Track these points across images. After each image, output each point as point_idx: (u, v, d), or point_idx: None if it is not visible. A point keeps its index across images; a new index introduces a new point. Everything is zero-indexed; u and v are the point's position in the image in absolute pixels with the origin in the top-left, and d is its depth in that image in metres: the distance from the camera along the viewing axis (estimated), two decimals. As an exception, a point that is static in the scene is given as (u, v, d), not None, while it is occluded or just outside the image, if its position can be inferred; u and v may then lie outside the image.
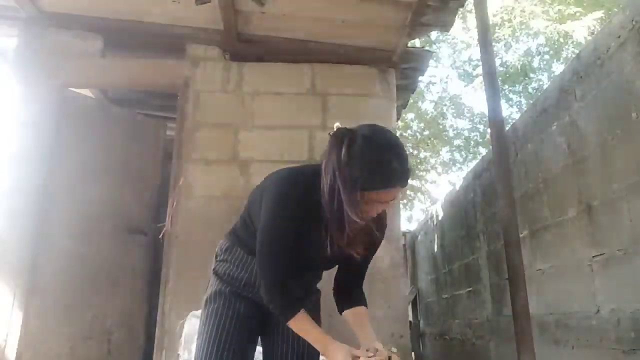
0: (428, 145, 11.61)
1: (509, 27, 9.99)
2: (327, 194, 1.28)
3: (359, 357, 1.30)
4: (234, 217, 1.66)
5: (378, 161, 1.25)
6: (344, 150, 1.25)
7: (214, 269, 1.61)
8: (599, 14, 8.29)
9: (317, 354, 1.50)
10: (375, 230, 1.44)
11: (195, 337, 1.59)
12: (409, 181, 1.33)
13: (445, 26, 3.43)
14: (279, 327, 1.56)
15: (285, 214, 1.36)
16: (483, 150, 10.50)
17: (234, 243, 1.57)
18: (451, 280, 5.35)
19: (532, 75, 11.10)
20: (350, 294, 1.57)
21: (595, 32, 5.95)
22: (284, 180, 1.41)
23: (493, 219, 3.90)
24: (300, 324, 1.38)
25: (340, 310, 1.55)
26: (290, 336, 1.53)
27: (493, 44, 3.49)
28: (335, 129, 1.30)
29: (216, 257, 1.62)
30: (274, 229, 1.37)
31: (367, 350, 1.32)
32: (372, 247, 1.51)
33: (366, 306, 1.56)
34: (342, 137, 1.27)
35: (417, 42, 4.63)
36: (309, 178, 1.36)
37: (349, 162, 1.24)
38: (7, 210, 3.24)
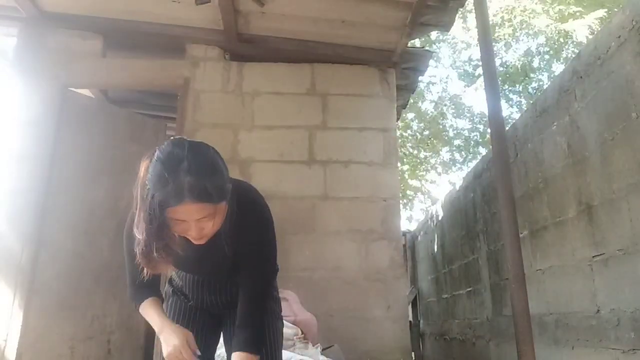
0: (428, 145, 11.62)
1: (509, 26, 9.98)
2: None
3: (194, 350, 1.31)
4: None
5: (159, 180, 1.16)
6: (142, 168, 1.22)
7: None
8: (600, 13, 8.28)
9: (277, 349, 1.52)
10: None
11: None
12: (220, 194, 1.20)
13: (445, 26, 3.43)
14: (233, 325, 1.52)
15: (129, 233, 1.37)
16: (483, 150, 10.51)
17: None
18: (451, 280, 5.35)
19: (532, 75, 11.10)
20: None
21: (596, 32, 5.95)
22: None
23: (493, 219, 3.90)
24: (144, 311, 1.43)
25: None
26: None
27: (493, 44, 3.49)
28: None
29: None
30: (124, 250, 1.43)
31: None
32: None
33: (246, 351, 1.39)
34: (147, 156, 1.24)
35: (417, 42, 4.63)
36: None
37: (144, 180, 1.20)
38: (7, 209, 3.24)
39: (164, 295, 1.58)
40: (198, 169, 1.17)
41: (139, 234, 1.21)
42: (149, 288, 1.45)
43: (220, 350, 1.65)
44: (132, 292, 1.46)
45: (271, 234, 1.43)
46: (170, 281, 1.62)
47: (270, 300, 1.52)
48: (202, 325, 1.55)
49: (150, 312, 1.42)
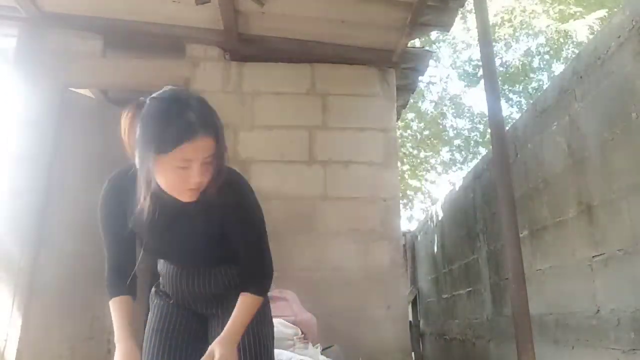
0: (428, 145, 11.62)
1: (509, 26, 9.99)
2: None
3: None
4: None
5: (161, 121, 1.14)
6: (129, 119, 1.21)
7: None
8: (601, 13, 8.29)
9: (267, 348, 1.45)
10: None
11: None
12: (220, 131, 1.19)
13: (445, 26, 3.43)
14: (219, 327, 1.47)
15: (101, 223, 1.43)
16: (483, 150, 10.51)
17: None
18: (451, 280, 5.35)
19: (532, 75, 11.10)
20: (241, 282, 1.41)
21: (596, 32, 5.95)
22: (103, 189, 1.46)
23: (493, 219, 3.90)
24: (111, 309, 1.40)
25: None
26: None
27: (493, 44, 3.48)
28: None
29: None
30: (102, 235, 1.45)
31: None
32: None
33: (251, 292, 1.36)
34: (129, 109, 1.21)
35: (417, 42, 4.63)
36: (124, 171, 1.40)
37: (139, 129, 1.17)
38: (7, 209, 3.24)
39: (149, 299, 1.58)
40: (204, 106, 1.19)
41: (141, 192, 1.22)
42: (123, 280, 1.41)
43: None
44: (108, 279, 1.44)
45: (256, 206, 1.40)
46: (157, 284, 1.60)
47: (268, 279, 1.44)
48: (185, 329, 1.50)
49: (114, 316, 1.38)
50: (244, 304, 1.34)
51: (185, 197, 1.23)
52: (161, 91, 1.21)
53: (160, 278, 1.58)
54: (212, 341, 1.31)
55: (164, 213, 1.30)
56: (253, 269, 1.39)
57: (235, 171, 1.39)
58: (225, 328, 1.31)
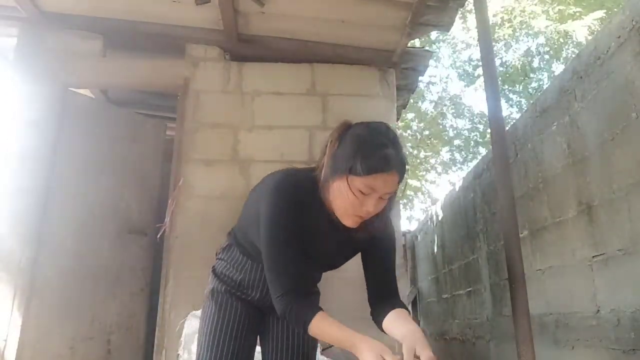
0: (428, 145, 11.62)
1: (509, 27, 9.99)
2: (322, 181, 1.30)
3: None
4: (234, 217, 1.67)
5: (367, 145, 1.23)
6: (336, 135, 1.29)
7: (213, 267, 1.62)
8: (600, 13, 8.29)
9: (314, 348, 1.51)
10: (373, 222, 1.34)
11: (196, 337, 1.59)
12: (405, 176, 1.29)
13: (445, 26, 3.43)
14: (276, 325, 1.57)
15: (284, 223, 1.31)
16: (483, 150, 10.50)
17: (231, 243, 1.57)
18: (451, 280, 5.35)
19: (532, 75, 11.10)
20: (382, 302, 1.45)
21: (596, 32, 5.95)
22: (278, 188, 1.35)
23: (493, 219, 3.90)
24: (321, 329, 1.25)
25: (379, 325, 1.41)
26: (286, 333, 1.55)
27: (493, 44, 3.48)
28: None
29: (217, 255, 1.64)
30: (275, 241, 1.31)
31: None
32: (374, 240, 1.43)
33: (406, 309, 1.42)
34: (339, 127, 1.31)
35: (417, 42, 4.63)
36: (305, 176, 1.36)
37: (339, 146, 1.27)
38: (7, 209, 3.24)
39: (211, 293, 1.54)
40: (399, 146, 1.27)
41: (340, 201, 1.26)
42: (310, 303, 1.31)
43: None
44: (298, 312, 1.27)
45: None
46: (219, 276, 1.57)
47: None
48: (249, 324, 1.52)
49: (329, 330, 1.25)
50: (406, 316, 1.40)
51: (349, 222, 1.30)
52: (369, 121, 1.33)
53: (229, 272, 1.55)
54: (268, 333, 1.55)
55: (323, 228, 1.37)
56: (393, 290, 1.52)
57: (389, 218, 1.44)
58: (411, 332, 1.30)
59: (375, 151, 1.21)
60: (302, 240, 1.34)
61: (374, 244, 1.44)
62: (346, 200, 1.25)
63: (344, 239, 1.40)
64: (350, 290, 3.42)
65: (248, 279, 1.52)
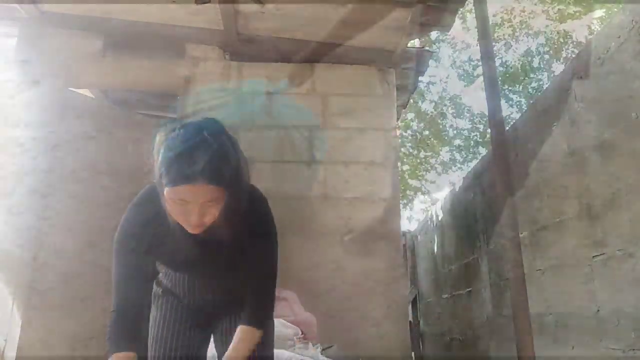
0: (428, 145, 11.61)
1: (509, 27, 9.99)
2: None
3: None
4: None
5: (169, 156, 1.16)
6: (157, 145, 1.23)
7: None
8: (600, 13, 8.29)
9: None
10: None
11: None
12: (234, 179, 1.20)
13: (445, 26, 3.43)
14: (219, 327, 1.58)
15: (126, 250, 1.44)
16: (483, 150, 10.50)
17: None
18: (451, 280, 5.35)
19: (532, 75, 11.09)
20: (242, 310, 1.44)
21: (596, 32, 5.95)
22: (133, 202, 1.46)
23: (493, 219, 3.90)
24: None
25: None
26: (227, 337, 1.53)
27: (493, 44, 3.48)
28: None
29: None
30: (114, 258, 1.43)
31: None
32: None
33: (252, 325, 1.39)
34: (162, 134, 1.24)
35: (417, 42, 4.63)
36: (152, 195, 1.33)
37: (158, 156, 1.21)
38: (7, 209, 3.23)
39: (152, 297, 1.57)
40: (214, 150, 1.15)
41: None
42: (130, 330, 1.33)
43: (213, 351, 1.63)
44: (113, 327, 1.34)
45: (275, 239, 1.45)
46: (159, 283, 1.60)
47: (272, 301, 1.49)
48: (191, 324, 1.54)
49: None
50: (245, 336, 1.36)
51: (189, 229, 1.25)
52: (189, 122, 1.23)
53: (164, 281, 1.59)
54: (216, 333, 1.50)
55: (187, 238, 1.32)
56: (260, 299, 1.42)
57: (259, 192, 1.47)
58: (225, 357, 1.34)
59: (174, 163, 1.14)
60: (159, 252, 1.39)
61: (240, 247, 1.39)
62: (172, 209, 1.21)
63: (200, 243, 1.34)
64: (349, 290, 3.42)
65: (177, 286, 1.56)
